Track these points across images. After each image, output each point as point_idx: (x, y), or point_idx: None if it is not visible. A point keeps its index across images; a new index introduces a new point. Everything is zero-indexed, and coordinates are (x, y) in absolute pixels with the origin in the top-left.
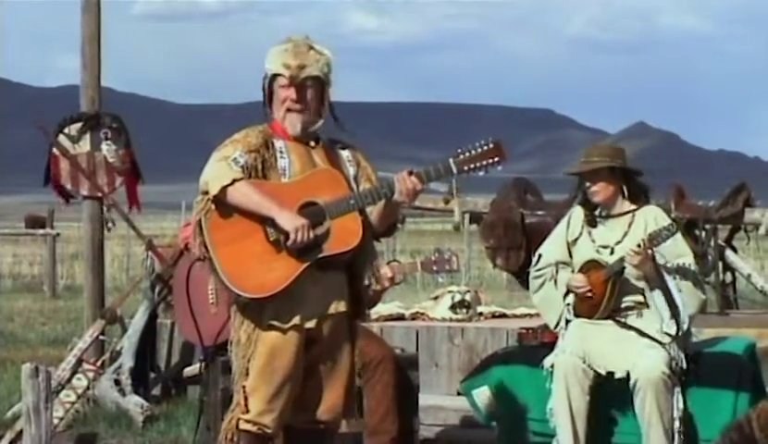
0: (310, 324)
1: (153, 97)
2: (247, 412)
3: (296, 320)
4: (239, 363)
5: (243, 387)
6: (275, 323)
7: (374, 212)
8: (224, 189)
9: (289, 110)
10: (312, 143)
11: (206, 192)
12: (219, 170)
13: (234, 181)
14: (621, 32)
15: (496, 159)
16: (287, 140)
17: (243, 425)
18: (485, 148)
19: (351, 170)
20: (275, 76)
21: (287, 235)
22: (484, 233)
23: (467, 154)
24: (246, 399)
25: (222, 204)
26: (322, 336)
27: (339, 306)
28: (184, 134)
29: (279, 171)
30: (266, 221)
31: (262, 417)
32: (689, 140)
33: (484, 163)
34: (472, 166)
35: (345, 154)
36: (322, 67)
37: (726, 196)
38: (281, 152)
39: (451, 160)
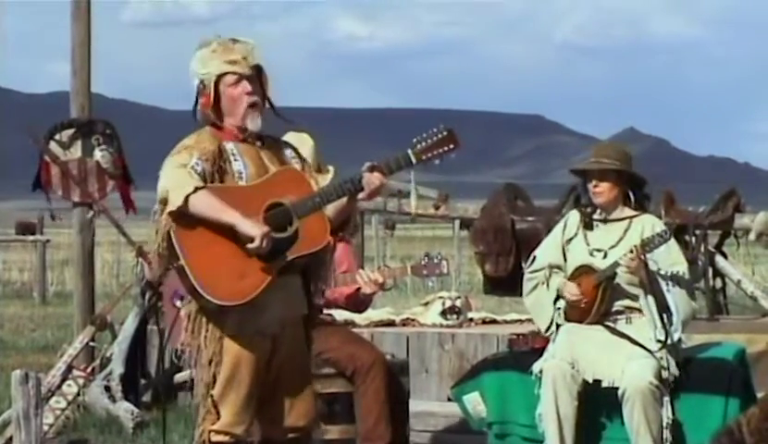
0: (274, 329)
1: (143, 103)
2: (218, 420)
3: (260, 327)
4: (204, 372)
5: (212, 396)
6: (238, 332)
7: (330, 207)
8: (187, 198)
9: (250, 106)
10: (258, 143)
11: (166, 200)
12: (179, 179)
13: (196, 190)
14: (610, 38)
15: (451, 146)
16: (237, 141)
17: (215, 437)
18: (439, 136)
19: (297, 168)
20: (220, 77)
21: (250, 241)
22: (474, 239)
23: (424, 143)
24: (216, 407)
25: (185, 213)
26: (285, 341)
27: (300, 309)
28: (175, 140)
29: (235, 175)
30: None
31: (234, 428)
32: (679, 145)
33: (440, 151)
34: (430, 154)
35: (288, 150)
36: (258, 55)
37: (716, 202)
38: (234, 154)
39: (409, 151)
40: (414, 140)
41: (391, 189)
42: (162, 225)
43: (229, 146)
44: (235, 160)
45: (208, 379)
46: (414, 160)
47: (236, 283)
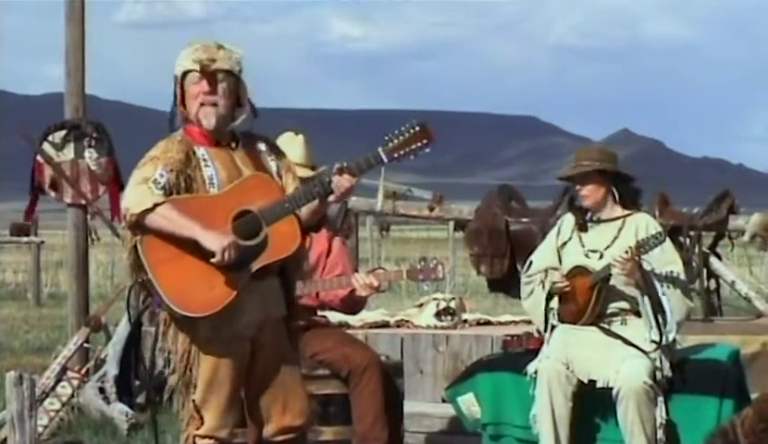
0: (251, 332)
1: (138, 105)
2: (202, 425)
3: (236, 331)
4: (182, 377)
5: (194, 401)
6: (214, 337)
7: (303, 208)
8: (144, 215)
9: (202, 104)
10: (232, 145)
11: (126, 218)
12: (140, 195)
13: (155, 206)
14: (604, 39)
15: (425, 141)
16: (209, 146)
17: (200, 442)
18: (411, 132)
19: (272, 165)
20: (185, 74)
21: (213, 255)
22: (468, 241)
23: (396, 140)
24: (199, 412)
25: (147, 229)
26: (265, 342)
27: (279, 311)
28: None
29: (206, 181)
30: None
31: (217, 431)
32: (673, 147)
33: (413, 147)
34: (402, 152)
35: (263, 147)
36: (234, 63)
37: (710, 203)
38: (205, 160)
39: (380, 149)
40: (386, 137)
41: (386, 190)
42: (127, 241)
43: (201, 151)
44: (206, 166)
45: (188, 384)
46: (385, 159)
47: (205, 294)
